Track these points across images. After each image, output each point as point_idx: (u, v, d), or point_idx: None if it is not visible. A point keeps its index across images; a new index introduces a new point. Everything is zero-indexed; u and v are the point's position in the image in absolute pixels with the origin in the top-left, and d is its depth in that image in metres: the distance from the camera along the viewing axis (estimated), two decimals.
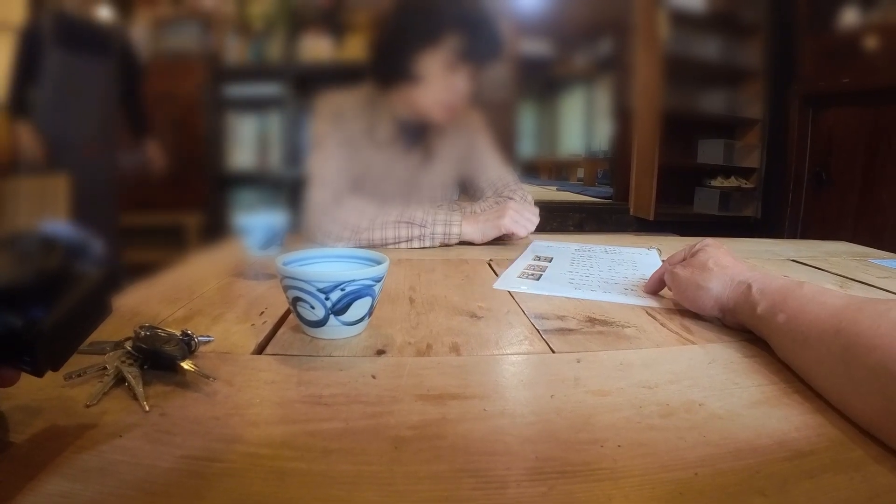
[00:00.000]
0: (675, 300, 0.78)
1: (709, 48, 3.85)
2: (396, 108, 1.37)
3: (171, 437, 0.43)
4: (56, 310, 0.40)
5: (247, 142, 3.58)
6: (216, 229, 3.43)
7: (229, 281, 0.94)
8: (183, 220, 3.11)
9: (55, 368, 0.42)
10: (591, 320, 0.71)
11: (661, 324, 0.71)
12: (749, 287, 0.64)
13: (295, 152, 3.40)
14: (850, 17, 3.16)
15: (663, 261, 0.88)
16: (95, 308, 0.45)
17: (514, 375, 0.57)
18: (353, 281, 0.59)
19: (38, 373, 0.41)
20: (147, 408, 0.47)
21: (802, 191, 3.41)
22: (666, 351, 0.62)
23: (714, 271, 0.71)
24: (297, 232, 1.26)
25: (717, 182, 3.92)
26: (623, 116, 4.28)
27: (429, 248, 1.26)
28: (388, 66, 1.35)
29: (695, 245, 0.79)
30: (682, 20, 3.71)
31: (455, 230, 1.26)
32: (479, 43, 1.30)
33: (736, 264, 0.72)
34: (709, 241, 0.79)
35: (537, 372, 0.57)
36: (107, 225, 2.58)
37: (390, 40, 1.39)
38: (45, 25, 2.28)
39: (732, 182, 3.92)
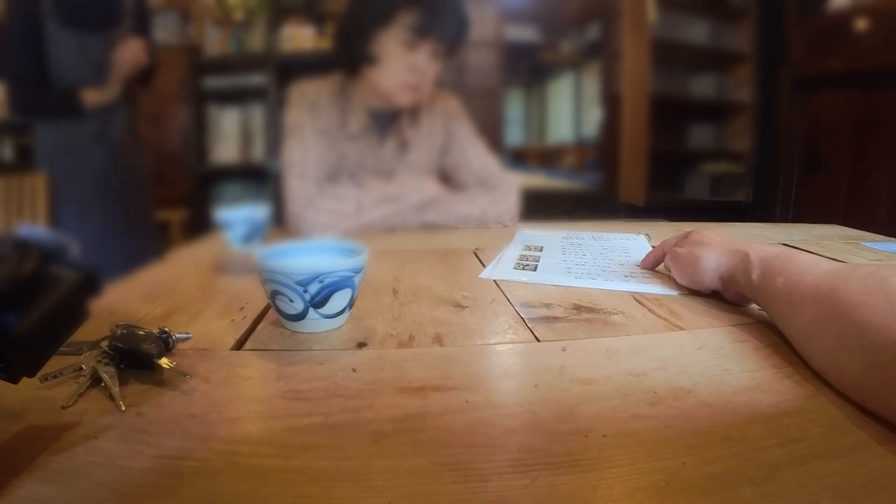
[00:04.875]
0: (675, 279, 0.78)
1: (697, 32, 3.85)
2: (364, 95, 1.36)
3: (147, 437, 0.42)
4: (30, 315, 0.39)
5: (229, 134, 3.55)
6: (200, 225, 3.42)
7: (209, 277, 0.93)
8: (166, 217, 3.09)
9: (30, 374, 0.41)
10: (578, 308, 0.70)
11: (650, 310, 0.69)
12: (746, 255, 0.65)
13: (279, 144, 3.38)
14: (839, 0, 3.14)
15: (654, 246, 0.87)
16: (71, 312, 0.44)
17: (498, 365, 0.55)
18: (332, 272, 0.58)
19: (13, 379, 0.40)
20: (123, 407, 0.46)
21: (793, 175, 3.40)
22: (654, 337, 0.61)
23: (710, 245, 0.73)
24: (279, 225, 1.25)
25: (708, 167, 3.92)
26: (612, 102, 4.27)
27: (413, 225, 1.28)
28: (348, 50, 1.34)
29: (685, 231, 0.81)
30: (670, 3, 3.71)
31: (427, 194, 1.29)
32: (437, 18, 1.28)
33: (727, 239, 0.73)
34: (698, 227, 0.81)
35: (522, 361, 0.56)
36: (145, 221, 2.50)
37: (347, 23, 1.39)
38: (41, 3, 2.01)
39: (723, 167, 3.91)
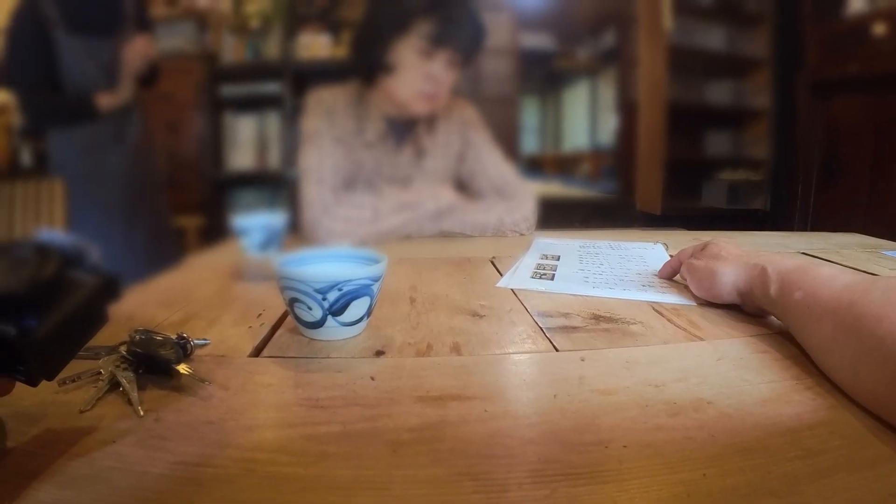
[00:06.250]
0: (692, 291, 0.78)
1: (714, 38, 3.81)
2: (381, 103, 1.37)
3: (165, 443, 0.43)
4: (50, 318, 0.40)
5: (245, 142, 3.58)
6: (216, 232, 3.45)
7: (227, 283, 0.94)
8: (182, 223, 3.11)
9: (49, 378, 0.41)
10: (596, 317, 0.70)
11: (668, 320, 0.69)
12: (764, 269, 0.64)
13: (294, 151, 3.40)
14: (857, 4, 3.11)
15: (671, 255, 0.87)
16: (91, 316, 0.44)
17: (517, 375, 0.55)
18: (351, 280, 0.58)
19: (32, 382, 0.40)
20: (141, 413, 0.47)
21: (812, 182, 3.36)
22: (673, 348, 0.60)
23: (728, 259, 0.73)
24: (295, 231, 1.26)
25: (725, 175, 3.88)
26: (628, 109, 4.25)
27: (429, 233, 1.29)
28: (364, 59, 1.35)
29: (703, 242, 0.82)
30: (686, 10, 3.67)
31: (443, 202, 1.29)
32: (453, 27, 1.28)
33: (746, 252, 0.74)
34: (715, 238, 0.81)
35: (540, 371, 0.55)
36: (162, 224, 2.53)
37: (363, 32, 1.40)
38: (45, 6, 2.02)
39: (740, 174, 3.87)
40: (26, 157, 3.62)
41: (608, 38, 5.88)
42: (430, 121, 1.41)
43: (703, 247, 0.80)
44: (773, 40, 3.74)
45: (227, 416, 0.46)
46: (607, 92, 6.62)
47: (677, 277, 0.86)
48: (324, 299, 0.58)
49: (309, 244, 1.22)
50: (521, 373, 0.56)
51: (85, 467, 0.40)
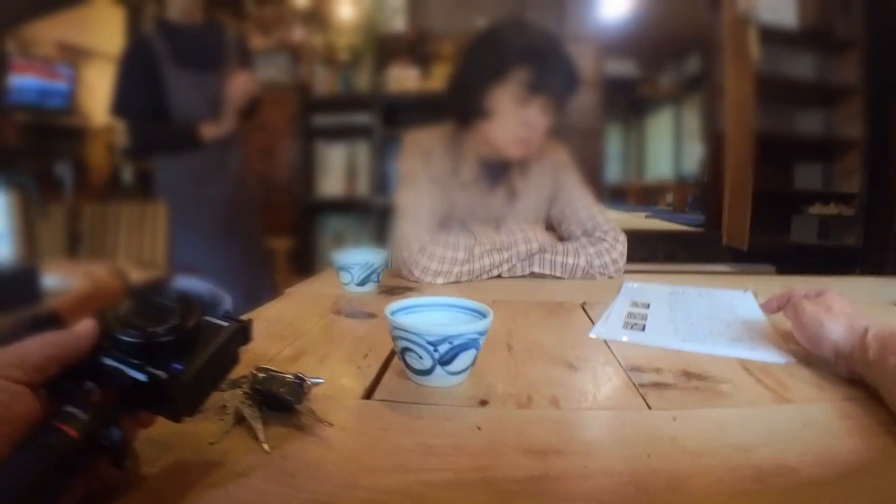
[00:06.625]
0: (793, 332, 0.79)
1: (802, 65, 3.76)
2: (476, 146, 1.42)
3: (293, 480, 0.48)
4: (194, 363, 0.45)
5: (335, 169, 3.71)
6: (304, 254, 3.58)
7: (330, 319, 1.00)
8: (272, 244, 3.25)
9: (191, 415, 0.47)
10: (687, 374, 0.73)
11: (757, 379, 0.71)
12: (866, 331, 0.65)
13: (382, 180, 3.52)
14: None
15: (761, 305, 0.89)
16: (227, 359, 0.50)
17: (613, 432, 0.59)
18: (462, 335, 0.63)
19: (177, 419, 0.46)
20: (268, 449, 0.52)
21: None
22: (761, 410, 0.63)
23: (838, 316, 0.72)
24: (391, 268, 1.32)
25: (816, 209, 3.79)
26: (714, 139, 4.19)
27: (519, 274, 1.34)
28: (462, 104, 1.40)
29: (816, 290, 0.81)
30: (773, 36, 3.63)
31: (535, 245, 1.34)
32: (550, 74, 1.32)
33: (857, 314, 0.73)
34: (832, 290, 0.80)
35: (635, 430, 0.59)
36: (259, 250, 2.67)
37: (461, 77, 1.44)
38: (155, 43, 2.20)
39: (832, 209, 3.77)
40: (127, 176, 3.85)
41: (692, 64, 5.81)
42: (524, 163, 1.46)
43: (818, 293, 0.79)
44: (864, 67, 3.66)
45: (348, 458, 0.52)
46: (692, 119, 6.53)
47: (780, 316, 0.86)
48: (435, 350, 0.64)
49: (406, 280, 1.29)
50: (617, 430, 0.60)
51: (222, 497, 0.45)
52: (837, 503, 0.46)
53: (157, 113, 2.21)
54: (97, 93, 3.53)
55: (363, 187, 3.66)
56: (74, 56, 3.97)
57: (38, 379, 0.41)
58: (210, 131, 2.24)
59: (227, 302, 0.52)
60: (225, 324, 0.50)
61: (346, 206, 3.70)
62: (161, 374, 0.44)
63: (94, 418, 0.41)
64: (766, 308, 0.89)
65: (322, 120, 3.67)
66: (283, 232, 3.48)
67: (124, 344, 0.44)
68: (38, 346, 0.42)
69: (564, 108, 1.40)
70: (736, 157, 3.88)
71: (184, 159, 2.28)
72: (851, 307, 0.75)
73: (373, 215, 3.54)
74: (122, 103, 2.25)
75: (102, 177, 3.96)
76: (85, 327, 0.45)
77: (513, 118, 1.34)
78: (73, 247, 2.37)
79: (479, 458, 0.52)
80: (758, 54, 3.63)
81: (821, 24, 3.73)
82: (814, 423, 0.59)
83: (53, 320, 0.41)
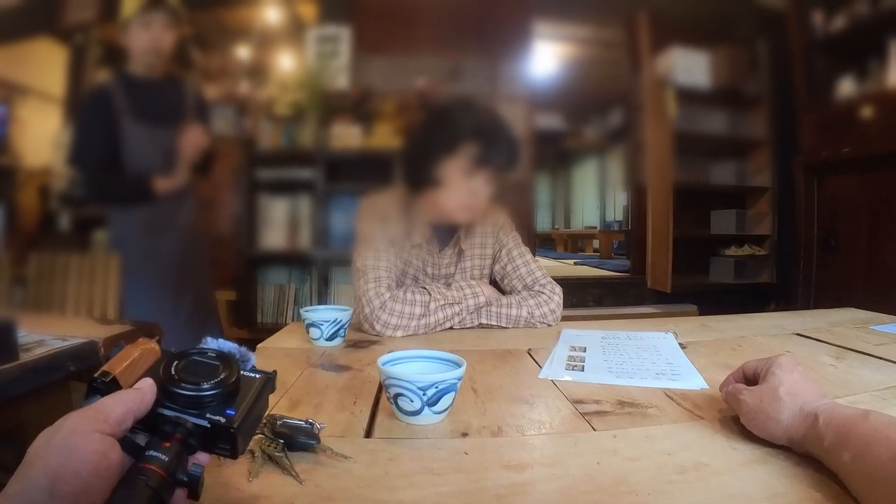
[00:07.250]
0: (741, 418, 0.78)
1: (716, 121, 4.03)
2: (427, 211, 1.56)
3: (333, 502, 0.61)
4: (242, 408, 0.54)
5: (278, 223, 3.74)
6: (247, 306, 3.61)
7: (310, 372, 1.11)
8: (216, 296, 3.25)
9: (243, 452, 0.54)
10: (622, 403, 0.90)
11: (677, 403, 0.90)
12: (816, 418, 0.64)
13: (324, 234, 3.58)
14: (846, 88, 3.33)
15: (681, 344, 1.07)
16: (262, 405, 0.60)
17: (569, 448, 0.75)
18: (445, 381, 0.80)
19: (235, 456, 0.53)
20: (302, 480, 0.65)
21: (813, 256, 3.54)
22: (681, 426, 0.81)
23: (785, 401, 0.70)
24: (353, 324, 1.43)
25: (731, 251, 4.07)
26: (636, 189, 4.36)
27: (469, 325, 1.49)
28: (415, 173, 1.54)
29: (767, 362, 0.77)
30: (689, 96, 3.88)
31: (482, 299, 1.49)
32: (495, 150, 1.47)
33: (807, 390, 0.71)
34: (783, 359, 0.76)
35: (585, 446, 0.75)
36: (205, 297, 2.70)
37: (415, 149, 1.59)
38: (115, 95, 2.23)
39: (746, 250, 4.07)
40: (64, 223, 3.74)
41: (615, 118, 6.06)
42: (469, 226, 1.62)
43: (765, 373, 0.75)
44: (771, 122, 3.97)
45: (370, 482, 0.65)
46: (615, 169, 6.85)
47: (694, 350, 1.02)
48: (424, 394, 0.79)
49: (368, 333, 1.42)
50: (572, 447, 0.76)
51: None
52: (735, 485, 0.63)
53: (113, 165, 2.23)
54: (31, 132, 3.40)
55: (305, 240, 3.68)
56: (8, 92, 3.80)
57: (120, 431, 0.48)
58: (163, 185, 2.28)
59: (254, 359, 0.64)
60: (257, 375, 0.59)
61: (288, 259, 3.72)
62: (220, 419, 0.52)
63: (173, 459, 0.49)
64: (721, 388, 0.85)
65: (266, 174, 3.68)
66: (226, 284, 3.51)
67: (180, 397, 0.52)
68: (116, 404, 0.49)
69: (506, 178, 1.55)
70: (657, 205, 4.11)
71: (136, 212, 2.31)
72: (805, 380, 0.73)
73: (314, 268, 3.62)
74: (80, 153, 2.28)
75: (33, 221, 3.81)
76: (147, 385, 0.52)
77: (461, 187, 1.48)
78: (13, 296, 2.34)
79: (472, 473, 0.67)
80: (675, 112, 3.90)
81: (731, 84, 4.04)
82: (720, 432, 0.78)
83: (113, 382, 0.51)
